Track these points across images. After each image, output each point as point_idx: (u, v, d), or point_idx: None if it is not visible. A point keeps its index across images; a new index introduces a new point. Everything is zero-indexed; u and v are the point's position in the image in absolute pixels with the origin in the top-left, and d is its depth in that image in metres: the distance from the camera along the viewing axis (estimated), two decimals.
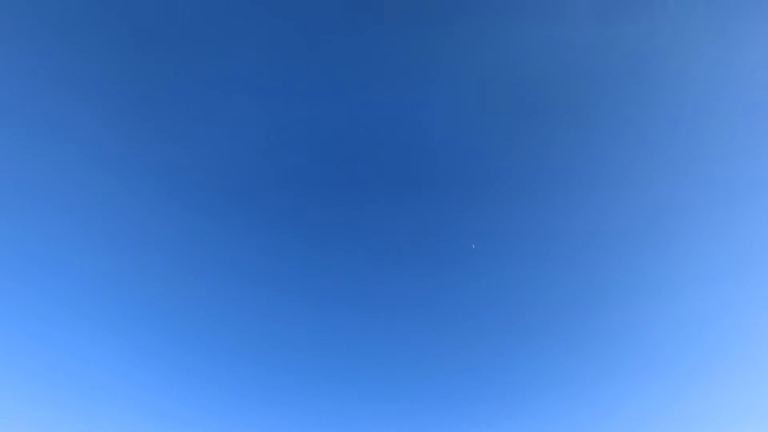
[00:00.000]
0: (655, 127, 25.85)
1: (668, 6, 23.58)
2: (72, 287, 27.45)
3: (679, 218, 27.33)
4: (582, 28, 24.08)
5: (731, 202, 26.48)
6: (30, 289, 26.64)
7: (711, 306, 28.45)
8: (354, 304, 30.52)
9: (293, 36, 24.54)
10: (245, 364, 30.54)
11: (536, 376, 30.82)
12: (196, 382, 29.65)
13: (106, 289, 28.02)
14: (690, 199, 26.89)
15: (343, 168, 28.32)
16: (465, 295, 30.68)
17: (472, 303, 30.73)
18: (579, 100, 25.72)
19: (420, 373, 31.50)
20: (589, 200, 27.77)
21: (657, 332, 29.45)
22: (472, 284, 30.49)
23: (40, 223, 25.89)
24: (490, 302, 30.68)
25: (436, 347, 31.44)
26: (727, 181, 26.16)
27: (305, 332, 31.02)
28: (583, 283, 29.69)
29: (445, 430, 30.22)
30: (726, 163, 25.92)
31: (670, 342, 29.32)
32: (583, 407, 30.03)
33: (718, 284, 28.01)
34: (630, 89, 25.21)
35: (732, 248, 27.25)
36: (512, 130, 26.71)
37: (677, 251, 27.95)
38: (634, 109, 25.60)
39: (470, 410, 30.68)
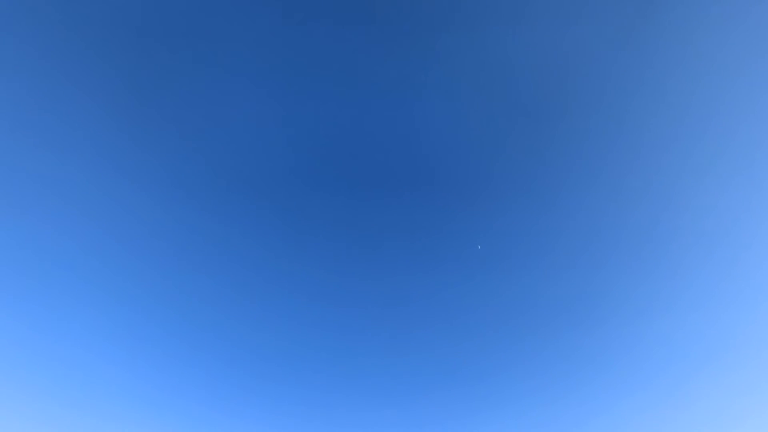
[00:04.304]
0: (655, 128, 25.90)
1: (668, 6, 23.57)
2: (79, 283, 27.86)
3: (678, 220, 27.42)
4: (581, 28, 24.12)
5: (731, 204, 26.53)
6: (37, 284, 27.07)
7: (709, 308, 28.60)
8: (352, 302, 30.85)
9: (297, 37, 24.70)
10: (248, 361, 30.94)
11: (534, 376, 31.05)
12: (202, 379, 30.08)
13: (112, 286, 28.41)
14: (689, 201, 26.97)
15: (344, 167, 28.55)
16: (464, 295, 30.91)
17: (471, 302, 30.97)
18: (578, 102, 25.79)
19: (418, 371, 31.85)
20: (588, 202, 27.88)
21: (654, 334, 29.63)
22: (472, 283, 30.72)
23: (47, 219, 26.26)
24: (488, 302, 30.90)
25: (435, 345, 31.74)
26: (728, 182, 26.21)
27: (308, 330, 31.34)
28: (581, 283, 29.84)
29: (440, 427, 30.63)
30: (726, 164, 25.96)
31: (667, 344, 29.50)
32: (578, 407, 30.30)
33: (718, 286, 28.14)
34: (630, 90, 25.26)
35: (732, 250, 27.33)
36: (512, 131, 26.82)
37: (676, 253, 28.07)
38: (634, 110, 25.65)
39: (466, 408, 31.03)
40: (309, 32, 24.67)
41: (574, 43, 24.42)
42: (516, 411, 30.72)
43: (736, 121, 25.07)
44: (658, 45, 24.18)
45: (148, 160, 26.67)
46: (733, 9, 23.34)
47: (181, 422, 28.71)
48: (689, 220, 27.19)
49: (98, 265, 27.88)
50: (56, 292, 27.51)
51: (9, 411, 25.44)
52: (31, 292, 26.99)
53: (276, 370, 31.04)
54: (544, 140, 26.69)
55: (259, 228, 29.27)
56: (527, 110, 26.27)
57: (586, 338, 30.43)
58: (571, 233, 28.63)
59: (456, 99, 26.42)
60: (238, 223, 28.90)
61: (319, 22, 24.46)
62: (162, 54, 24.56)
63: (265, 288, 30.52)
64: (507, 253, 29.75)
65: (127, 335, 29.10)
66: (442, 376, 31.74)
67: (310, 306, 30.96)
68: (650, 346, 29.72)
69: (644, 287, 29.00)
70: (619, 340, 30.00)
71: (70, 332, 28.01)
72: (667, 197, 27.02)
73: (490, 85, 25.95)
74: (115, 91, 25.04)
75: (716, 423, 28.42)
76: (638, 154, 26.44)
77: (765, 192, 25.67)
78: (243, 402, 30.16)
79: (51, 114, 24.68)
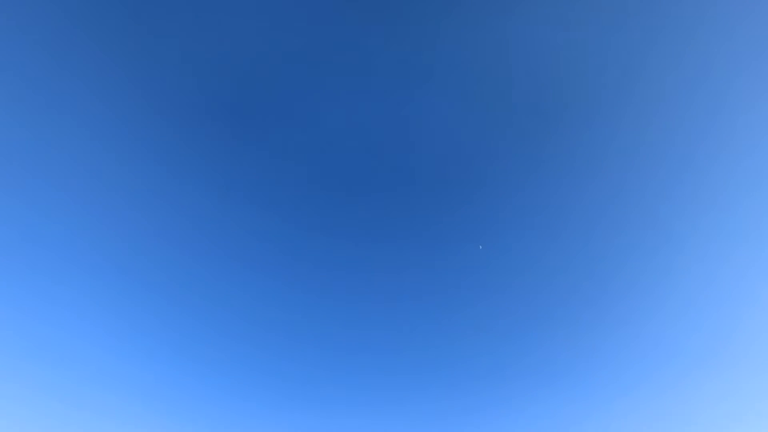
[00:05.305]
0: (652, 128, 26.03)
1: (668, 6, 23.66)
2: (85, 280, 28.14)
3: (676, 219, 27.60)
4: (581, 28, 24.23)
5: (729, 204, 26.66)
6: (47, 280, 27.33)
7: (705, 310, 28.83)
8: (351, 301, 31.16)
9: (296, 39, 24.85)
10: (249, 358, 31.27)
11: (530, 376, 31.32)
12: (205, 375, 30.44)
13: (117, 283, 28.69)
14: (687, 200, 27.12)
15: (344, 167, 28.76)
16: (462, 296, 31.17)
17: (469, 303, 31.24)
18: (575, 102, 25.92)
19: (418, 370, 32.20)
20: (584, 202, 28.08)
21: (650, 335, 29.83)
22: (469, 284, 30.97)
23: (52, 217, 26.53)
24: (487, 303, 31.19)
25: (432, 346, 32.07)
26: (726, 182, 26.33)
27: (308, 328, 31.67)
28: (578, 285, 30.08)
29: (437, 426, 31.01)
30: (724, 164, 26.02)
31: (663, 345, 29.69)
32: (574, 407, 30.60)
33: (713, 288, 28.33)
34: (628, 90, 25.39)
35: (728, 253, 27.52)
36: (510, 130, 26.98)
37: (672, 254, 28.27)
38: (631, 110, 25.76)
39: (463, 407, 31.37)
40: (305, 32, 24.79)
41: (572, 44, 24.57)
42: (513, 410, 31.06)
43: (735, 121, 25.15)
44: (657, 45, 24.30)
45: (152, 159, 26.91)
46: (734, 8, 23.39)
47: (185, 418, 29.15)
48: (686, 222, 27.43)
49: (103, 263, 28.19)
50: (62, 289, 27.84)
51: (12, 410, 25.84)
52: (37, 290, 27.32)
53: (277, 369, 31.42)
54: (543, 141, 26.89)
55: (262, 226, 29.55)
56: (525, 110, 26.44)
57: (582, 339, 30.71)
58: (568, 234, 28.89)
59: (454, 98, 26.59)
60: (240, 221, 29.18)
61: (315, 23, 24.60)
62: (165, 56, 24.75)
63: (268, 285, 30.84)
64: (505, 253, 30.04)
65: (131, 331, 29.44)
66: (441, 376, 32.08)
67: (311, 304, 31.29)
68: (646, 347, 29.96)
69: (641, 288, 29.25)
70: (615, 340, 30.26)
71: (77, 329, 28.34)
72: (663, 198, 27.23)
73: (488, 85, 26.11)
74: (119, 90, 25.24)
75: (711, 423, 28.75)
76: (635, 155, 26.64)
77: (762, 194, 25.88)
78: (245, 399, 30.56)
79: (55, 113, 24.91)
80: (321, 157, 28.41)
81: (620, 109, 25.74)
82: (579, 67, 25.05)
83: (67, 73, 24.25)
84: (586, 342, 30.64)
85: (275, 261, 30.34)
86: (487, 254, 30.00)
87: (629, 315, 29.70)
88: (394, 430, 30.36)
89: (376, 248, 30.37)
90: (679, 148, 26.16)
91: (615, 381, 30.31)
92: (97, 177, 26.44)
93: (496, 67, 25.49)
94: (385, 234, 29.98)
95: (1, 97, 23.82)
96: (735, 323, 28.43)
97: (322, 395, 31.36)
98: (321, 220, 29.69)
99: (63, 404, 26.93)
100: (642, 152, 26.52)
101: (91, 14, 23.35)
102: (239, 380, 30.75)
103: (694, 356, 29.28)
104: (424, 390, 31.78)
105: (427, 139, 27.68)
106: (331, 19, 24.55)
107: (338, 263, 30.61)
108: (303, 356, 31.66)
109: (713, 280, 28.13)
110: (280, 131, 27.41)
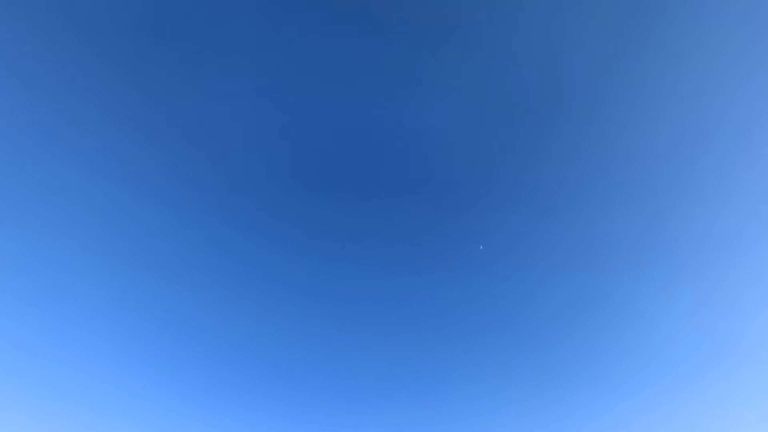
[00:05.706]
0: (657, 134, 25.74)
1: (672, 7, 23.36)
2: (81, 284, 27.94)
3: (679, 225, 27.32)
4: (584, 28, 23.94)
5: (731, 210, 26.37)
6: (39, 285, 27.15)
7: (718, 309, 28.56)
8: (353, 304, 30.92)
9: (297, 41, 24.60)
10: (250, 361, 31.10)
11: (532, 379, 31.12)
12: (201, 379, 30.26)
13: (114, 287, 28.50)
14: (690, 206, 26.84)
15: (346, 171, 28.53)
16: (464, 298, 30.92)
17: (471, 305, 30.98)
18: (581, 106, 25.63)
19: (419, 372, 31.97)
20: (589, 207, 27.80)
21: (651, 339, 29.62)
22: (472, 287, 30.71)
23: (49, 222, 26.32)
24: (488, 305, 30.92)
25: (435, 348, 31.81)
26: (729, 187, 26.04)
27: (308, 331, 31.47)
28: (580, 288, 29.81)
29: (438, 428, 30.78)
30: (737, 164, 25.66)
31: (664, 349, 29.49)
32: (575, 410, 30.37)
33: (716, 293, 28.09)
34: (633, 93, 25.09)
35: (731, 258, 27.23)
36: (514, 135, 26.73)
37: (675, 259, 27.98)
38: (637, 116, 25.49)
39: (464, 410, 31.14)
40: (308, 36, 24.59)
41: (577, 48, 24.27)
42: (513, 413, 30.82)
43: (740, 126, 24.87)
44: (662, 48, 23.99)
45: (150, 164, 26.70)
46: (740, 10, 23.10)
47: (181, 422, 28.93)
48: (689, 227, 27.11)
49: (100, 267, 27.99)
50: (59, 294, 27.65)
51: (9, 411, 25.62)
52: (34, 294, 27.12)
53: (276, 372, 31.21)
54: (546, 145, 26.61)
55: (262, 231, 29.34)
56: (529, 114, 26.17)
57: (583, 342, 30.47)
58: (572, 238, 28.58)
59: (457, 103, 26.34)
60: (240, 227, 28.94)
61: (318, 26, 24.38)
62: (164, 58, 24.51)
63: (268, 290, 30.63)
64: (507, 257, 29.75)
65: (129, 336, 29.28)
66: (446, 380, 31.88)
67: (311, 308, 31.06)
68: (647, 351, 29.75)
69: (643, 293, 28.99)
70: (616, 345, 30.04)
71: (72, 333, 28.17)
72: (666, 204, 26.93)
73: (492, 89, 25.84)
74: (118, 94, 25.02)
75: (721, 426, 28.43)
76: (640, 160, 26.35)
77: (765, 200, 25.53)
78: (242, 402, 30.34)
79: (53, 117, 24.69)
80: (324, 163, 28.23)
81: (628, 115, 25.49)
82: (584, 66, 24.76)
83: None
84: (594, 344, 30.40)
85: (277, 264, 30.17)
86: (491, 255, 29.72)
87: (638, 316, 29.47)
88: None
89: (379, 249, 30.19)
90: (688, 148, 25.86)
91: (624, 384, 30.19)
92: (92, 183, 26.21)
93: (496, 65, 25.24)
94: (388, 240, 29.78)
95: None
96: (746, 325, 28.16)
97: (324, 401, 31.17)
98: (324, 227, 29.54)
99: (58, 407, 26.75)
100: (649, 158, 26.26)
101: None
102: (236, 385, 30.58)
103: (705, 358, 29.08)
104: (430, 394, 31.64)
105: (430, 145, 27.44)
106: (332, 24, 24.34)
107: (341, 268, 30.43)
108: (301, 362, 31.48)
109: (725, 281, 27.90)
110: (280, 134, 27.21)
